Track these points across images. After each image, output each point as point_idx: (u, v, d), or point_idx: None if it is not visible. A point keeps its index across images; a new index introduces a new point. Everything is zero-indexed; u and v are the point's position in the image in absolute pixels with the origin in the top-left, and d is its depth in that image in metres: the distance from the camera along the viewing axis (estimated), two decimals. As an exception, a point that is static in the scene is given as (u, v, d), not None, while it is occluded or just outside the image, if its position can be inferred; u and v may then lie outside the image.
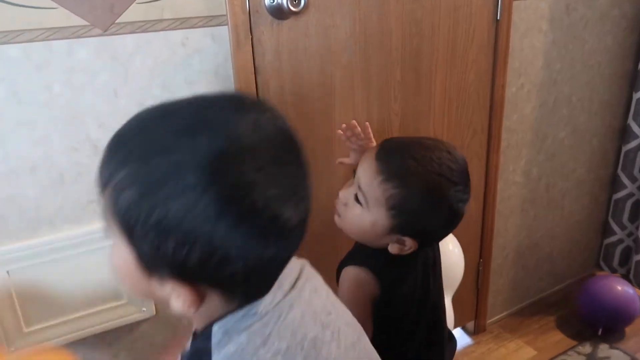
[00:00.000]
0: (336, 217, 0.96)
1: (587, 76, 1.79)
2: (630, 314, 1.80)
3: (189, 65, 1.09)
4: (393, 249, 0.89)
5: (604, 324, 1.81)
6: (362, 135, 1.27)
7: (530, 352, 1.81)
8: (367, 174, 0.87)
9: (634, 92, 1.87)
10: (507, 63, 1.56)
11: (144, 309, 1.19)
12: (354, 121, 1.27)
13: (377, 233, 0.88)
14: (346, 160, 1.31)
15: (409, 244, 0.88)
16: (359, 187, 0.88)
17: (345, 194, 0.93)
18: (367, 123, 1.28)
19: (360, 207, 0.89)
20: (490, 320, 1.94)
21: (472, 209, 1.69)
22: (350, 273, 0.93)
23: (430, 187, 0.84)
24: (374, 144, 1.28)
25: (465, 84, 1.51)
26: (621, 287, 1.80)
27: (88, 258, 1.11)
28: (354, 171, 0.94)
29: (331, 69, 1.27)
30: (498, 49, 1.52)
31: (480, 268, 1.80)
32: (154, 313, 1.21)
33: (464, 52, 1.47)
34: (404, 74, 1.38)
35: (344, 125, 1.28)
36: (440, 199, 0.85)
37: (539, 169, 1.82)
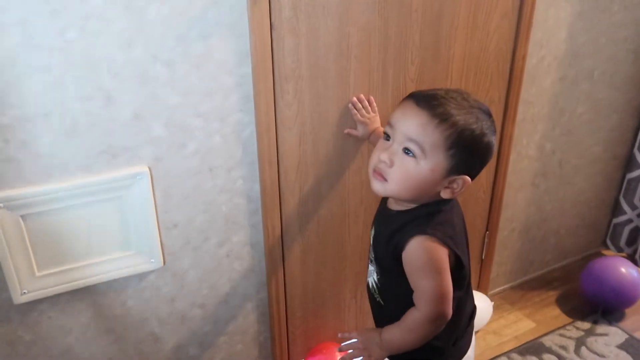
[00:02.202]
0: (377, 184, 0.93)
1: (612, 50, 1.74)
2: (633, 296, 1.80)
3: (205, 18, 1.07)
4: (446, 193, 0.92)
5: (604, 304, 1.82)
6: (369, 108, 1.28)
7: (529, 324, 1.84)
8: (416, 123, 0.88)
9: (658, 70, 1.82)
10: (529, 33, 1.51)
11: (152, 260, 1.21)
12: (362, 95, 1.27)
13: (435, 179, 0.90)
14: (353, 131, 1.32)
15: (460, 183, 0.91)
16: (409, 140, 0.88)
17: (387, 155, 0.90)
18: (372, 97, 1.31)
19: (414, 159, 0.88)
20: (492, 291, 1.95)
21: (482, 179, 1.68)
22: (424, 243, 0.91)
23: (476, 119, 0.88)
24: (378, 116, 1.29)
25: (485, 52, 1.47)
26: (625, 269, 1.80)
27: (100, 207, 1.12)
28: (385, 134, 0.93)
29: (349, 29, 1.24)
30: (522, 18, 1.48)
31: (486, 240, 1.81)
32: (162, 264, 1.24)
33: (487, 18, 1.43)
34: (423, 37, 1.35)
35: (354, 99, 1.28)
36: (483, 130, 0.89)
37: (553, 143, 1.80)
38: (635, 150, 1.97)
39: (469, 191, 1.64)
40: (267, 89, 1.19)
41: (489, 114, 0.91)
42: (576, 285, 1.93)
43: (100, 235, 1.15)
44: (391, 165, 0.90)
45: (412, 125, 0.88)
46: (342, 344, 1.05)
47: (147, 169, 1.13)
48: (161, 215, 1.20)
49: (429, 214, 0.94)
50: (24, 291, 1.10)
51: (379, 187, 0.93)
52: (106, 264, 1.18)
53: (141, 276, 1.24)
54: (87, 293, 1.19)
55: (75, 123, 1.04)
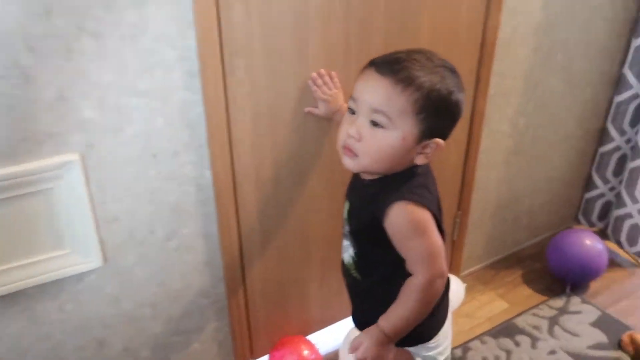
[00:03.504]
0: (348, 161, 0.90)
1: (587, 19, 1.66)
2: (597, 268, 1.77)
3: (137, -19, 0.93)
4: (420, 159, 0.89)
5: (571, 278, 1.79)
6: (331, 84, 1.17)
7: (502, 305, 1.79)
8: (380, 93, 0.84)
9: (633, 38, 1.75)
10: (502, 1, 1.41)
11: (91, 258, 1.09)
12: (322, 70, 1.16)
13: (407, 147, 0.86)
14: (315, 110, 1.21)
15: (433, 147, 0.88)
16: (375, 111, 0.84)
17: (355, 128, 0.86)
18: (334, 72, 1.21)
19: (383, 129, 0.85)
20: (464, 273, 1.90)
21: (453, 157, 1.59)
22: (405, 208, 0.87)
23: (441, 78, 0.84)
24: (341, 92, 1.18)
25: (455, 22, 1.36)
26: (589, 242, 1.76)
27: (25, 201, 0.98)
28: (350, 108, 0.89)
29: (306, -5, 1.11)
30: (494, -15, 1.37)
31: (458, 220, 1.73)
32: (103, 263, 1.11)
33: (457, -16, 1.31)
34: (389, 6, 1.23)
35: (314, 74, 1.16)
36: (450, 87, 0.85)
37: (527, 118, 1.72)
38: (609, 123, 1.91)
39: (439, 170, 1.55)
40: (215, 64, 1.05)
41: (454, 71, 0.88)
42: (549, 263, 1.89)
43: (27, 233, 1.01)
44: (360, 139, 0.86)
45: (375, 94, 0.84)
46: None
47: (78, 157, 1.00)
48: (98, 209, 1.07)
49: (404, 179, 0.90)
50: (-61, 300, 0.97)
51: (350, 163, 0.90)
52: (37, 266, 1.04)
53: (79, 277, 1.11)
54: (17, 299, 1.05)
55: (-15, 107, 0.89)
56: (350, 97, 0.89)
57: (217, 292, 1.32)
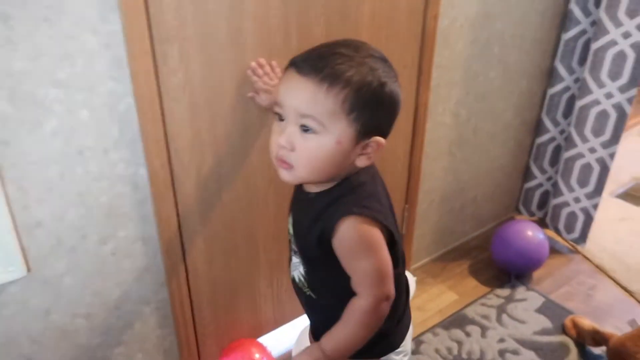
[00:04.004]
0: (284, 173, 0.82)
1: (522, 12, 1.70)
2: (539, 258, 1.82)
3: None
4: (361, 161, 0.82)
5: (514, 268, 1.83)
6: (272, 74, 1.12)
7: (452, 296, 1.80)
8: (304, 96, 0.76)
9: (562, 33, 1.82)
10: (440, -10, 1.42)
11: (12, 267, 0.98)
12: (262, 59, 1.11)
13: (345, 150, 0.79)
14: (257, 97, 1.16)
15: (374, 146, 0.81)
16: (302, 115, 0.77)
17: (285, 137, 0.79)
18: (275, 62, 1.15)
19: (315, 134, 0.77)
20: (414, 266, 1.90)
21: (399, 150, 1.59)
22: (354, 225, 0.80)
23: (370, 69, 0.77)
24: None
25: (396, 11, 1.35)
26: (531, 232, 1.81)
27: None
28: (277, 114, 0.81)
29: (241, -20, 1.06)
30: (431, -26, 1.38)
31: (406, 214, 1.73)
32: (26, 272, 1.01)
33: (396, -28, 1.31)
34: (328, -8, 1.20)
35: (253, 64, 1.11)
36: (382, 79, 0.78)
37: (468, 110, 1.74)
38: (544, 115, 1.98)
39: (385, 164, 1.54)
40: (144, 52, 0.98)
41: (384, 59, 0.80)
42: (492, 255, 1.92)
43: None
44: (292, 149, 0.79)
45: (300, 97, 0.76)
46: None
47: (-9, 156, 0.90)
48: (18, 213, 0.97)
49: (351, 190, 0.83)
50: None
51: (287, 176, 0.82)
52: (-53, 279, 0.93)
53: (0, 288, 1.00)
54: None
55: None
56: (274, 101, 0.82)
57: (159, 298, 1.24)
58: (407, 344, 1.01)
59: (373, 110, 0.78)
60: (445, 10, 1.47)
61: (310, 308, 0.99)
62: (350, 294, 0.85)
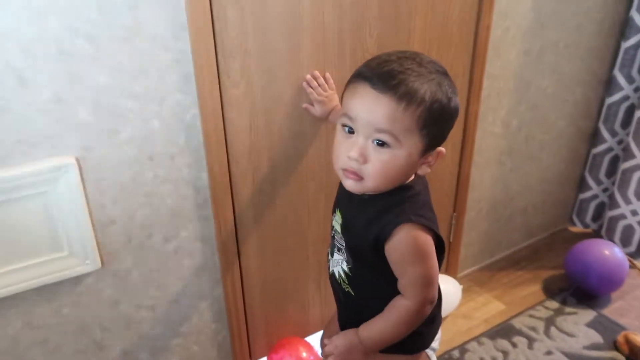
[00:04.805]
0: (352, 184, 0.84)
1: (577, 21, 1.68)
2: (619, 281, 1.74)
3: (132, -16, 0.94)
4: (423, 170, 0.87)
5: (589, 289, 1.76)
6: (326, 86, 1.17)
7: (499, 306, 1.79)
8: (382, 112, 0.78)
9: (622, 41, 1.77)
10: (494, 1, 1.43)
11: (88, 261, 1.08)
12: (316, 72, 1.17)
13: (413, 163, 0.84)
14: (311, 108, 1.22)
15: (435, 156, 0.87)
16: (379, 130, 0.79)
17: (357, 150, 0.81)
18: (328, 74, 1.21)
19: (389, 148, 0.80)
20: (460, 274, 1.90)
21: (448, 159, 1.60)
22: (412, 232, 0.84)
23: (438, 85, 0.80)
24: (336, 93, 1.18)
25: (447, 22, 1.38)
26: (609, 252, 1.73)
27: (21, 205, 0.99)
28: (346, 126, 0.83)
29: (299, -2, 1.12)
30: (485, -14, 1.39)
31: (454, 222, 1.74)
32: (100, 266, 1.11)
33: (449, -14, 1.33)
34: (382, 7, 1.24)
35: (308, 76, 1.17)
36: (448, 94, 0.82)
37: (519, 119, 1.73)
38: (600, 125, 1.93)
39: (433, 171, 1.56)
40: (210, 67, 1.06)
41: (446, 74, 0.84)
42: (544, 264, 1.90)
43: (24, 236, 1.01)
44: (365, 161, 0.81)
45: (377, 114, 0.78)
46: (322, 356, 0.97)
47: (74, 160, 1.00)
48: (95, 212, 1.07)
49: (407, 198, 0.87)
50: None
51: (354, 187, 0.85)
52: (34, 269, 1.04)
53: (77, 280, 1.10)
54: (13, 302, 1.05)
55: (-20, 109, 0.89)
56: (343, 112, 0.83)
57: (214, 294, 1.32)
58: (437, 342, 1.06)
59: (440, 125, 0.83)
60: (498, 20, 1.49)
61: (345, 304, 1.02)
62: (390, 294, 0.90)
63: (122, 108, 1.01)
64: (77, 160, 1.00)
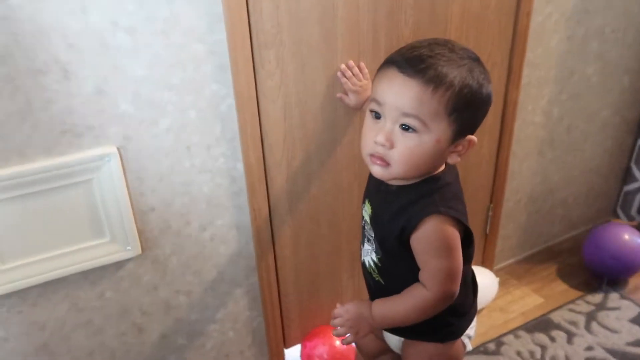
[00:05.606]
0: (378, 170, 0.84)
1: (624, 5, 1.61)
2: (636, 263, 1.70)
3: (170, -23, 0.96)
4: (452, 158, 0.86)
5: (608, 274, 1.74)
6: (361, 75, 1.17)
7: (536, 299, 1.75)
8: (409, 96, 0.78)
9: (673, 25, 1.69)
10: (534, -13, 1.39)
11: (129, 247, 1.12)
12: (351, 61, 1.17)
13: (442, 149, 0.82)
14: (345, 98, 1.22)
15: (466, 145, 0.85)
16: (405, 115, 0.79)
17: (384, 134, 0.80)
18: (363, 64, 1.20)
19: (416, 133, 0.80)
20: (497, 266, 1.87)
21: (485, 148, 1.57)
22: (439, 224, 0.84)
23: (469, 71, 0.79)
24: (370, 83, 1.18)
25: (486, 10, 1.35)
26: (628, 236, 1.70)
27: (66, 192, 1.03)
28: (373, 112, 0.83)
29: (334, -13, 1.12)
30: (526, -29, 1.35)
31: (490, 212, 1.71)
32: (140, 252, 1.15)
33: (487, -29, 1.30)
34: (417, -5, 1.23)
35: (343, 66, 1.17)
36: (479, 81, 0.80)
37: (560, 108, 1.68)
38: (648, 113, 1.85)
39: (469, 161, 1.54)
40: (245, 57, 1.07)
41: (479, 60, 0.82)
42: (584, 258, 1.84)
43: (69, 222, 1.06)
44: (391, 146, 0.81)
45: (404, 97, 0.78)
46: (331, 321, 0.99)
47: (116, 149, 1.03)
48: (136, 199, 1.10)
49: (437, 189, 0.86)
50: (-11, 286, 1.02)
51: (381, 172, 0.84)
52: (78, 254, 1.09)
53: (118, 265, 1.15)
54: (59, 285, 1.10)
55: (29, 101, 0.93)
56: (371, 98, 0.83)
57: (250, 282, 1.34)
58: (472, 329, 1.05)
59: (471, 111, 0.81)
60: (539, 6, 1.44)
61: (375, 292, 1.03)
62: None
63: (160, 99, 1.04)
64: (119, 149, 1.04)
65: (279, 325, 1.45)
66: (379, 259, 0.96)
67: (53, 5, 0.89)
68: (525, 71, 1.51)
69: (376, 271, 0.98)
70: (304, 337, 1.49)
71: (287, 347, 1.51)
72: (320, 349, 1.41)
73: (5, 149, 0.95)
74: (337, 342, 1.43)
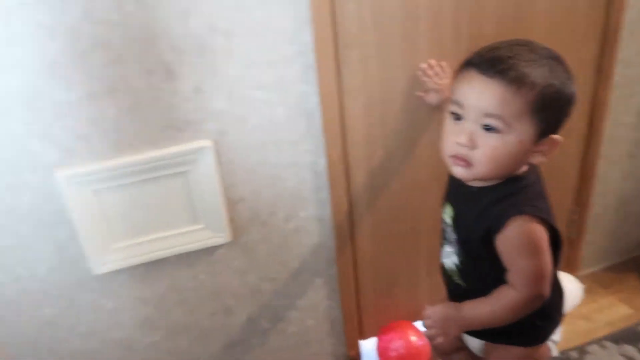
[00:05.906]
0: (461, 171, 0.85)
1: None
2: None
3: (263, -17, 1.04)
4: (536, 158, 0.85)
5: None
6: (442, 74, 1.18)
7: (624, 310, 1.67)
8: (492, 97, 0.79)
9: None
10: (628, -19, 1.33)
11: (221, 234, 1.22)
12: (432, 60, 1.18)
13: (525, 149, 0.82)
14: (426, 96, 1.24)
15: (549, 145, 0.84)
16: (488, 115, 0.80)
17: (466, 135, 0.82)
18: (445, 63, 1.21)
19: (498, 134, 0.80)
20: (582, 273, 1.79)
21: (570, 150, 1.53)
22: (526, 224, 0.84)
23: (551, 70, 0.79)
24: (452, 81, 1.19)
25: (573, 7, 1.31)
26: None
27: (167, 182, 1.14)
28: (454, 113, 0.84)
29: (417, -13, 1.15)
30: (619, -38, 1.31)
31: (575, 217, 1.65)
32: (231, 239, 1.24)
33: (576, -34, 1.27)
34: (501, -7, 1.23)
35: (424, 65, 1.19)
36: (562, 80, 0.80)
37: (656, 108, 1.59)
38: None
39: (553, 163, 1.50)
40: (330, 57, 1.13)
41: (560, 60, 0.82)
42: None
43: (169, 209, 1.17)
44: (473, 147, 0.82)
45: (487, 98, 0.79)
46: (423, 321, 1.00)
47: (212, 143, 1.13)
48: (227, 189, 1.20)
49: (520, 189, 0.86)
50: (102, 262, 1.15)
51: (463, 173, 0.86)
52: (176, 238, 1.20)
53: (211, 250, 1.25)
54: (161, 265, 1.22)
55: (139, 97, 1.05)
56: (451, 100, 0.85)
57: (329, 273, 1.40)
58: (558, 335, 1.04)
59: (554, 111, 0.81)
60: (632, 0, 1.38)
61: (455, 295, 1.03)
62: (500, 284, 0.90)
63: (251, 97, 1.13)
64: (214, 143, 1.14)
65: (355, 316, 1.50)
66: (460, 261, 0.97)
67: (161, 11, 0.99)
68: (617, 69, 1.45)
69: (457, 274, 0.99)
70: (380, 330, 1.52)
71: (363, 338, 1.55)
72: (397, 343, 1.44)
73: (118, 141, 1.07)
74: (413, 337, 1.45)
